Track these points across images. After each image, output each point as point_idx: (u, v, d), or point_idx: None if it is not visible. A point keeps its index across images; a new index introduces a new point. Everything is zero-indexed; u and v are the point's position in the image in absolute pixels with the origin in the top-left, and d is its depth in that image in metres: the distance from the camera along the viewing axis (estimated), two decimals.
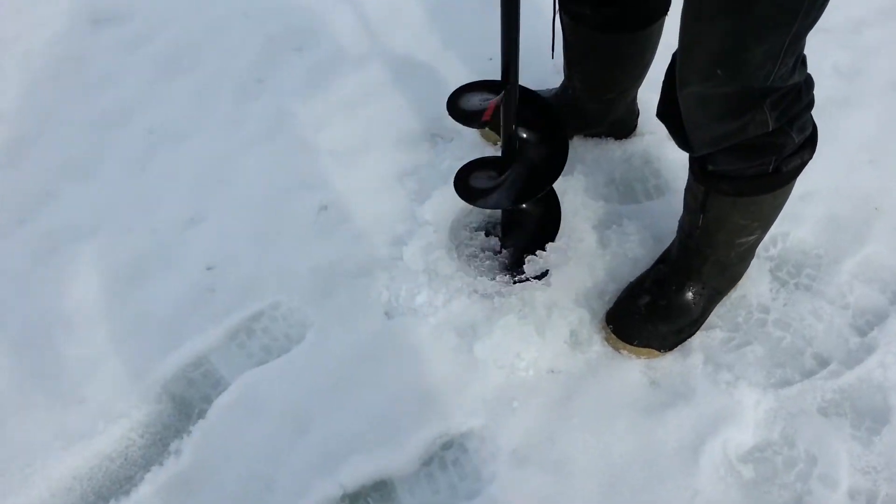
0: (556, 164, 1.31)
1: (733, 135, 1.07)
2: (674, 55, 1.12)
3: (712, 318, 1.47)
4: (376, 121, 1.76)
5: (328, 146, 1.72)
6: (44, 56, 1.96)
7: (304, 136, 1.75)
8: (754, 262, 1.49)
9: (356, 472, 1.30)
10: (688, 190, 1.31)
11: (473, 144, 1.70)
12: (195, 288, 1.53)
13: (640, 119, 1.72)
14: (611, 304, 1.46)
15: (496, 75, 1.83)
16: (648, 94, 1.66)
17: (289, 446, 1.34)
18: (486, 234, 1.55)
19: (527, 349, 1.42)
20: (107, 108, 1.83)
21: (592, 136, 1.69)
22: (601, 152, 1.69)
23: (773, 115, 1.04)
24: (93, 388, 1.41)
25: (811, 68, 1.09)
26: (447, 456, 1.34)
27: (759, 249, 1.49)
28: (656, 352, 1.41)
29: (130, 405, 1.39)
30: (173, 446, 1.35)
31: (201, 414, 1.39)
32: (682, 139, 1.15)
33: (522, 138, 1.32)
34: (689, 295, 1.41)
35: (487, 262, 1.51)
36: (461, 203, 1.51)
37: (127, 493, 1.31)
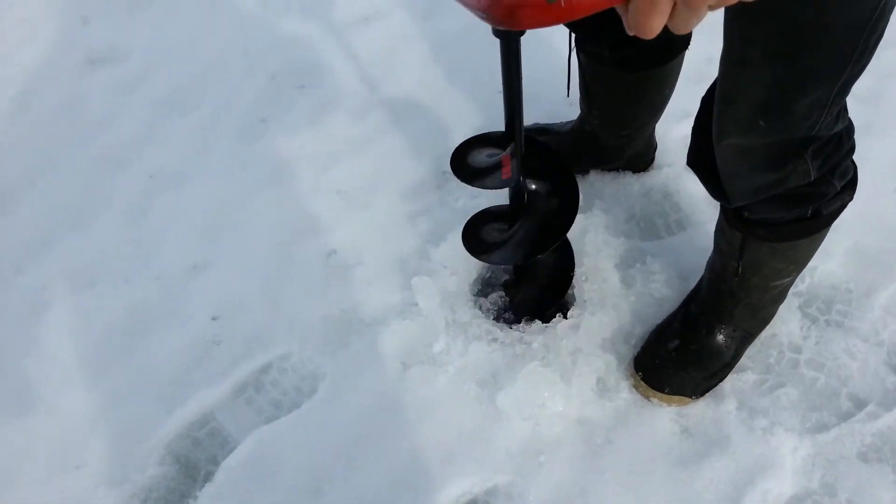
0: (566, 216, 1.24)
1: (773, 186, 1.01)
2: (703, 100, 1.07)
3: (743, 359, 1.41)
4: (384, 159, 1.71)
5: (335, 187, 1.66)
6: (39, 97, 1.90)
7: (309, 177, 1.69)
8: None
9: None
10: (720, 232, 1.25)
11: None
12: (200, 340, 1.45)
13: (657, 151, 1.66)
14: (638, 348, 1.40)
15: (501, 108, 1.79)
16: (666, 125, 1.62)
17: None
18: (506, 278, 1.48)
19: (552, 399, 1.35)
20: (105, 152, 1.77)
21: (610, 170, 1.64)
22: (619, 187, 1.63)
23: (815, 164, 0.98)
24: (91, 451, 1.33)
25: None
26: None
27: None
28: (688, 399, 1.35)
29: (132, 469, 1.31)
30: None
31: (208, 477, 1.31)
32: (716, 190, 1.08)
33: (531, 189, 1.26)
34: (721, 338, 1.35)
35: (507, 307, 1.45)
36: None
37: None
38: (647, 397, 1.35)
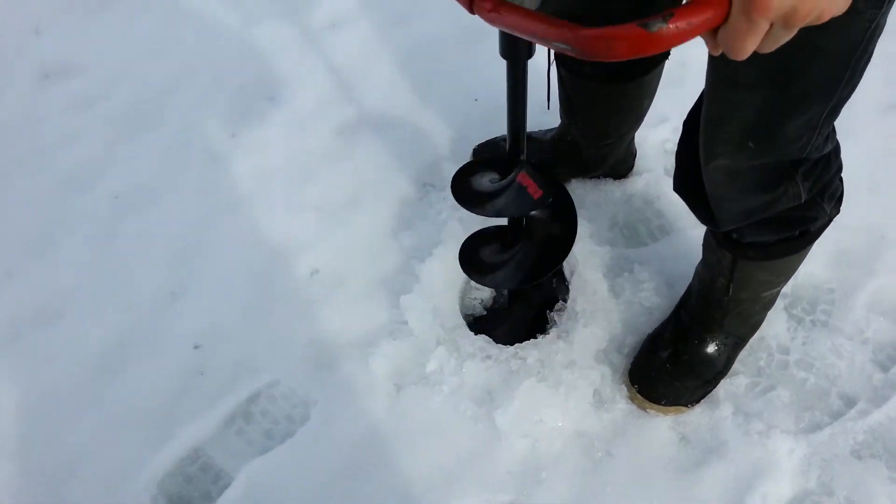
0: (565, 240, 1.22)
1: (764, 209, 1.01)
2: (685, 124, 1.05)
3: (734, 363, 1.42)
4: (362, 172, 1.66)
5: (314, 203, 1.61)
6: None
7: (287, 193, 1.63)
8: None
9: None
10: (709, 249, 1.25)
11: None
12: (182, 371, 1.39)
13: (636, 157, 1.66)
14: (631, 358, 1.39)
15: (482, 117, 1.77)
16: (643, 131, 1.61)
17: None
18: (496, 293, 1.46)
19: (550, 414, 1.33)
20: (66, 174, 1.68)
21: (591, 177, 1.63)
22: (601, 195, 1.62)
23: (806, 185, 0.98)
24: (76, 495, 1.26)
25: None
26: None
27: None
28: (684, 408, 1.35)
29: None
30: None
31: None
32: (706, 214, 1.07)
33: (530, 214, 1.24)
34: (713, 346, 1.35)
35: (499, 322, 1.42)
36: None
37: None
38: (644, 409, 1.35)
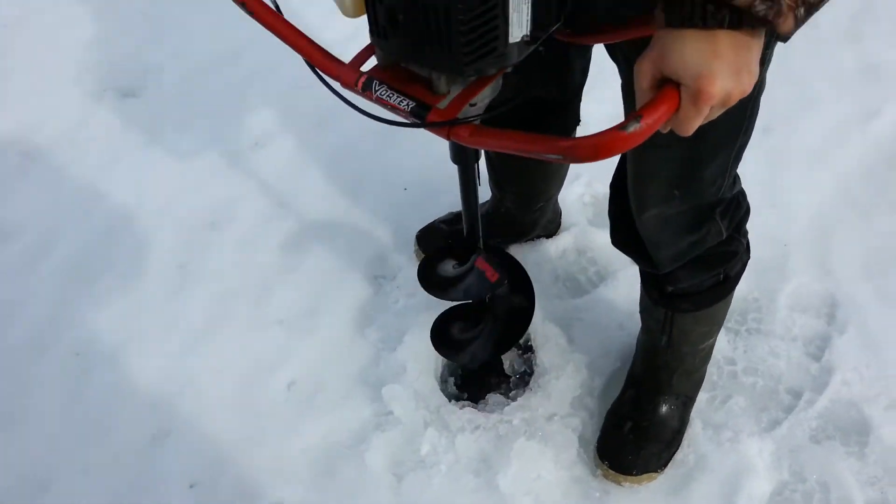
0: (526, 311, 1.33)
1: (694, 247, 1.16)
2: (612, 187, 1.20)
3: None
4: (315, 279, 1.74)
5: (277, 317, 1.67)
6: None
7: (248, 314, 1.68)
8: None
9: None
10: (646, 313, 1.40)
11: (416, 279, 1.71)
12: None
13: (561, 215, 1.82)
14: (599, 420, 1.50)
15: (414, 204, 1.88)
16: (563, 190, 1.76)
17: None
18: (468, 366, 1.55)
19: (545, 467, 1.43)
20: (20, 339, 1.66)
21: (527, 240, 1.77)
22: (538, 254, 1.76)
23: (725, 223, 1.15)
24: None
25: None
26: None
27: None
28: (655, 474, 1.44)
29: None
30: None
31: None
32: (646, 261, 1.21)
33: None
34: (666, 408, 1.46)
35: (478, 393, 1.52)
36: None
37: None
38: (619, 483, 1.43)
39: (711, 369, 1.56)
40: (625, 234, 1.20)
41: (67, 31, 2.40)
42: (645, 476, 1.43)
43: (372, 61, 0.89)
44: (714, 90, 0.66)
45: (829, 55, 2.12)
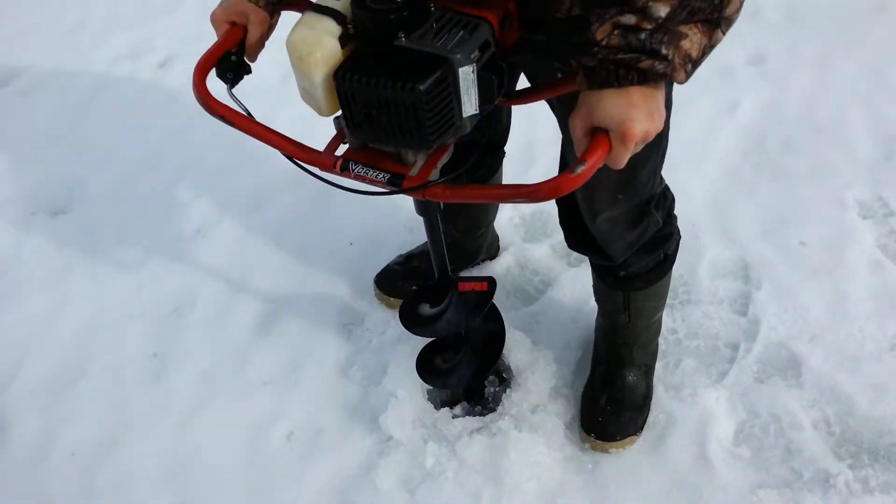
0: (499, 334, 1.52)
1: (640, 237, 1.39)
2: (557, 202, 1.39)
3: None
4: (289, 338, 1.84)
5: (261, 380, 1.76)
6: None
7: (232, 383, 1.76)
8: None
9: None
10: (603, 299, 1.60)
11: (383, 318, 1.86)
12: None
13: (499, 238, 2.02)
14: (576, 402, 1.67)
15: (363, 254, 2.04)
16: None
17: None
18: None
19: (540, 452, 1.57)
20: (12, 457, 1.68)
21: (475, 265, 1.94)
22: (488, 275, 1.93)
23: (660, 214, 1.39)
24: None
25: None
26: None
27: None
28: (636, 437, 1.61)
29: None
30: None
31: None
32: (601, 256, 1.41)
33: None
34: (632, 378, 1.64)
35: (465, 401, 1.65)
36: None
37: None
38: (607, 451, 1.59)
39: (660, 340, 1.77)
40: (579, 237, 1.40)
41: None
42: (627, 440, 1.59)
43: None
44: (635, 131, 0.86)
45: None
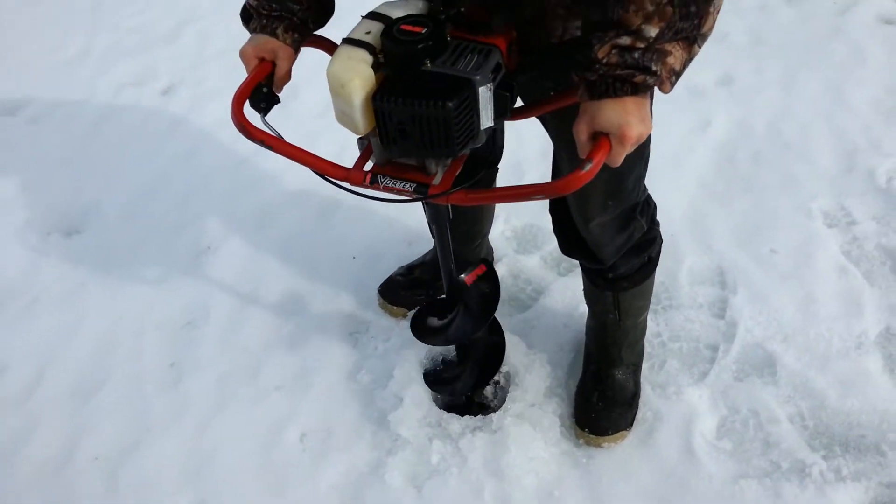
0: (493, 298, 1.63)
1: (628, 241, 1.52)
2: (552, 213, 1.54)
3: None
4: (299, 347, 1.95)
5: (273, 385, 1.87)
6: None
7: (246, 388, 1.88)
8: None
9: None
10: (593, 301, 1.73)
11: (388, 326, 1.98)
12: None
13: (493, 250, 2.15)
14: (570, 401, 1.80)
15: (366, 267, 2.17)
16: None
17: None
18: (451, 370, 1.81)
19: (538, 448, 1.69)
20: (40, 461, 1.77)
21: None
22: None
23: (644, 219, 1.53)
24: None
25: None
26: None
27: None
28: (626, 432, 1.74)
29: None
30: None
31: None
32: (593, 259, 1.55)
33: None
34: (621, 376, 1.77)
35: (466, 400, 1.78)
36: (422, 363, 1.83)
37: None
38: (600, 445, 1.71)
39: (646, 344, 1.89)
40: (572, 243, 1.54)
41: None
42: (619, 434, 1.72)
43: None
44: (632, 134, 1.01)
45: None
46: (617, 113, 1.00)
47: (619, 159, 1.05)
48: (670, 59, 0.97)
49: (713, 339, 1.93)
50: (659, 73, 0.97)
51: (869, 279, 2.01)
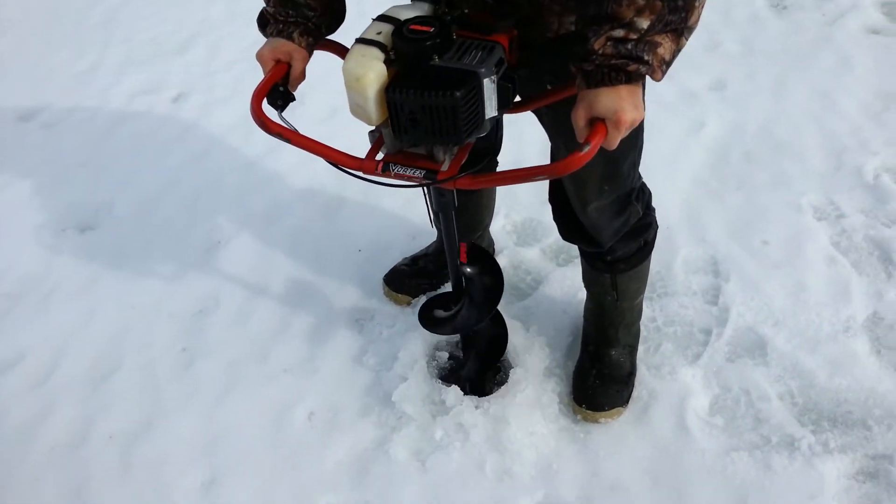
0: (497, 289, 1.70)
1: (624, 225, 1.60)
2: (551, 201, 1.61)
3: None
4: (307, 332, 2.03)
5: (282, 367, 1.94)
6: None
7: (255, 371, 1.95)
8: None
9: None
10: (592, 283, 1.80)
11: (392, 314, 2.05)
12: None
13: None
14: (568, 381, 1.87)
15: (371, 259, 2.24)
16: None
17: None
18: (456, 361, 1.89)
19: (537, 423, 1.75)
20: (53, 441, 1.84)
21: None
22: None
23: (640, 205, 1.60)
24: None
25: None
26: None
27: None
28: (622, 408, 1.80)
29: None
30: None
31: None
32: (591, 243, 1.62)
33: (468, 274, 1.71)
34: (617, 356, 1.84)
35: (469, 380, 1.84)
36: (426, 347, 1.88)
37: None
38: (597, 420, 1.78)
39: (641, 328, 1.96)
40: (572, 229, 1.62)
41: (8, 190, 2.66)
42: (615, 410, 1.78)
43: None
44: (626, 119, 1.09)
45: (654, 90, 2.72)
46: (612, 100, 1.08)
47: (614, 143, 1.13)
48: (661, 50, 1.06)
49: (706, 324, 2.00)
50: (651, 62, 1.05)
51: (857, 268, 2.09)
